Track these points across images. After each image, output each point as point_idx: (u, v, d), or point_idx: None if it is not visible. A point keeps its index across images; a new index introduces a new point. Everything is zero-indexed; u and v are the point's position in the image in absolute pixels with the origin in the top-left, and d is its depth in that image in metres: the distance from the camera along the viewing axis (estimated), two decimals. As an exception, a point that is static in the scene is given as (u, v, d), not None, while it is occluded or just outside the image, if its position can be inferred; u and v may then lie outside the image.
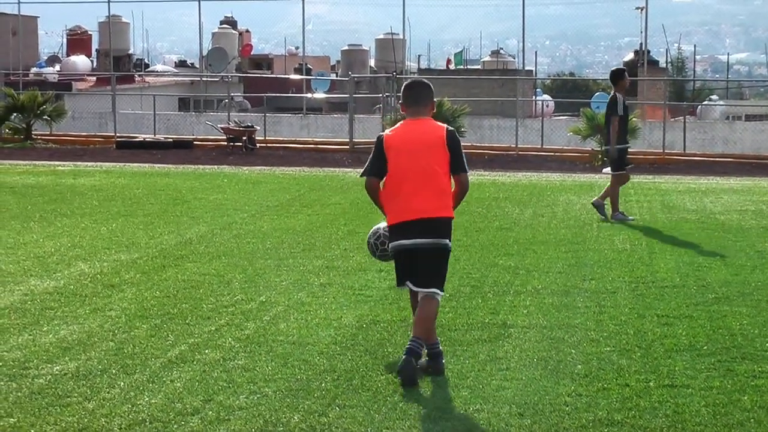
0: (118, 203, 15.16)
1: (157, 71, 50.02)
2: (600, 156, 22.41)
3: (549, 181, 19.84)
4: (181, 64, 55.23)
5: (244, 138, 27.40)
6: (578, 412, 5.73)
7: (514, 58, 47.49)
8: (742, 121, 38.80)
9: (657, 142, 28.48)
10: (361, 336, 7.34)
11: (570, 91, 54.22)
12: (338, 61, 51.61)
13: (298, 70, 45.47)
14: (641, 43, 39.65)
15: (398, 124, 6.74)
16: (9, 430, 5.42)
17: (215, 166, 22.97)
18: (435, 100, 6.81)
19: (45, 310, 8.10)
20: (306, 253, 10.85)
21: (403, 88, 6.78)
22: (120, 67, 43.36)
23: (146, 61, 52.99)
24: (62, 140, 29.70)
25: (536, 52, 49.15)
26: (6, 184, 17.81)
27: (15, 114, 29.74)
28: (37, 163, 23.26)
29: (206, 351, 6.90)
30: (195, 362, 6.64)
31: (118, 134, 30.20)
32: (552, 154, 26.42)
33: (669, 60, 48.86)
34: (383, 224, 6.87)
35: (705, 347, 7.06)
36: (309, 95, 39.75)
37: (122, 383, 6.17)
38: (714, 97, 50.88)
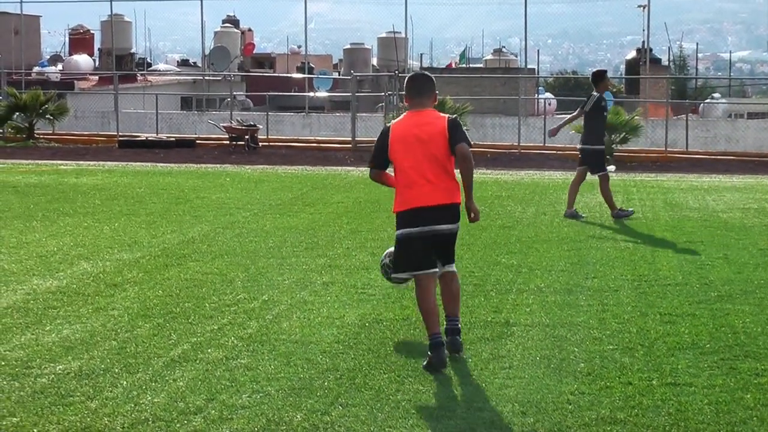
0: (120, 202, 15.15)
1: (159, 70, 50.06)
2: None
3: (551, 180, 19.82)
4: (184, 63, 55.26)
5: (247, 137, 27.39)
6: (581, 410, 5.72)
7: (517, 57, 47.51)
8: (745, 119, 38.71)
9: (659, 140, 28.45)
10: (363, 334, 7.34)
11: (572, 90, 54.30)
12: (340, 60, 51.55)
13: (300, 69, 45.49)
14: (643, 41, 39.67)
15: (402, 116, 7.02)
16: (12, 430, 5.42)
17: (218, 165, 22.96)
18: (438, 95, 7.09)
19: (48, 309, 8.11)
20: (308, 251, 10.85)
21: (406, 80, 7.08)
22: (122, 66, 43.34)
23: (149, 60, 52.93)
24: (65, 139, 29.69)
25: (538, 51, 49.31)
26: (9, 183, 17.81)
27: (17, 113, 29.71)
28: (39, 162, 23.25)
29: (209, 350, 6.91)
30: (198, 361, 6.64)
31: (120, 133, 30.17)
32: (554, 152, 26.37)
33: (671, 58, 48.83)
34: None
35: (708, 345, 7.05)
36: (311, 94, 39.74)
37: (125, 382, 6.18)
38: (716, 95, 50.88)
